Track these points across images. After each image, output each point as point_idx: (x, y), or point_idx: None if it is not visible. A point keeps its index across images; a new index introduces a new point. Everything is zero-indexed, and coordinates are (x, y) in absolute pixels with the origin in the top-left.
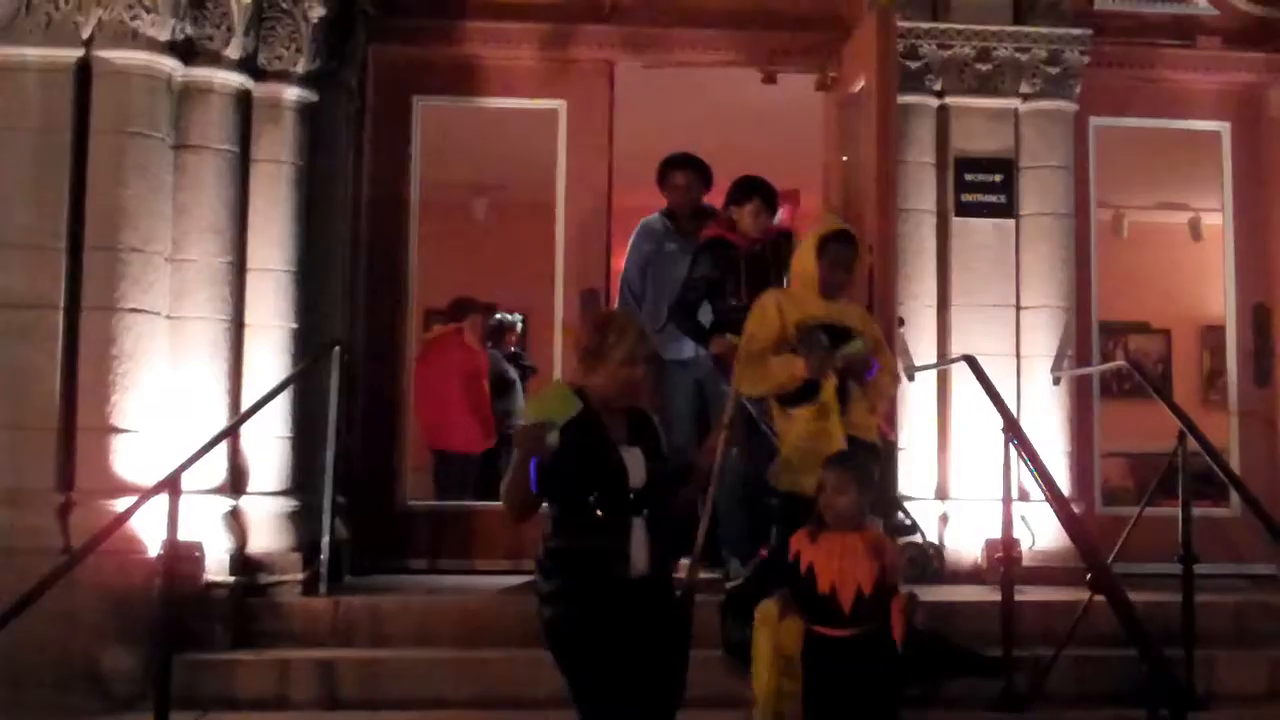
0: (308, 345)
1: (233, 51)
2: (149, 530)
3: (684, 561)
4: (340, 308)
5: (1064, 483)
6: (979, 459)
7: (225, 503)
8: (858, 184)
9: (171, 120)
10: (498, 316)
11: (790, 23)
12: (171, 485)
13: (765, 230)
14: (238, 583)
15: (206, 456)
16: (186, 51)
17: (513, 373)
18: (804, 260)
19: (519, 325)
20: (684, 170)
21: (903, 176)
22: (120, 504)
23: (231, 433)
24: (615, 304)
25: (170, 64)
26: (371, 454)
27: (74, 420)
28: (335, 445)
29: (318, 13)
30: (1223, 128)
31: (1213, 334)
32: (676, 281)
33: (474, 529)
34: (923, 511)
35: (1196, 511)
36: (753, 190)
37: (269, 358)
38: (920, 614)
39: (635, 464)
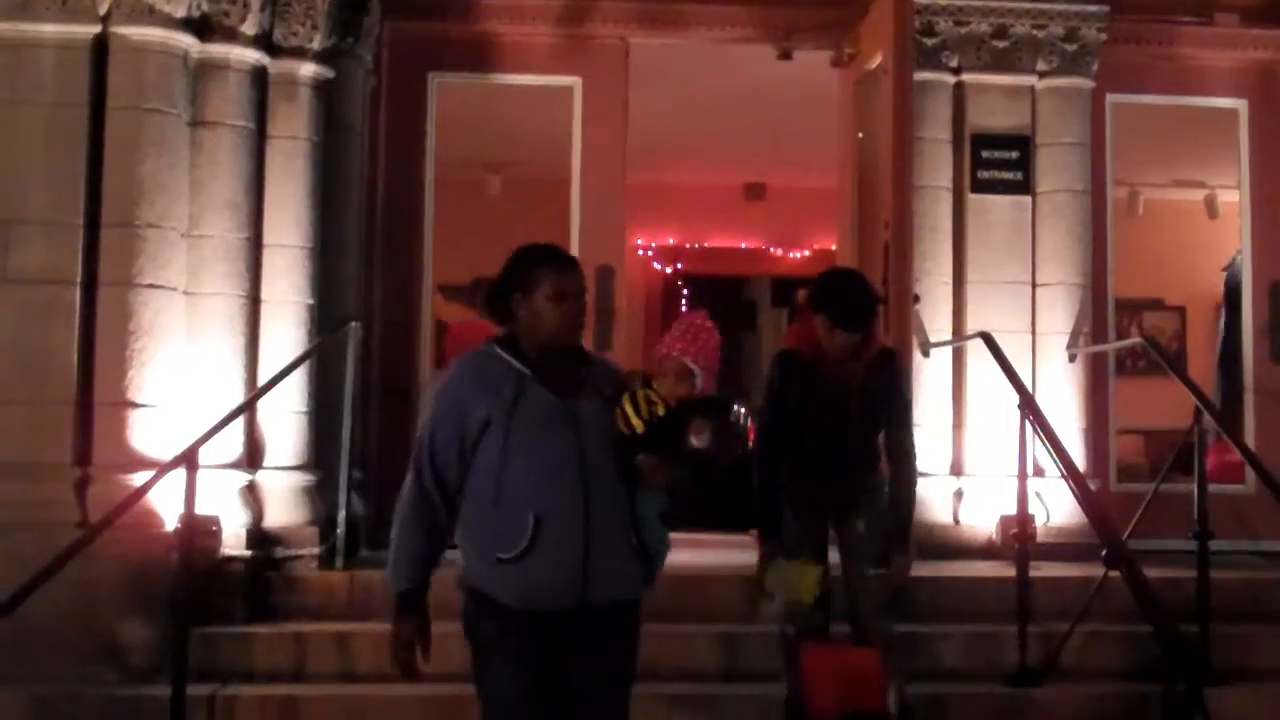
0: (324, 321)
1: (249, 28)
2: (166, 504)
3: None
4: (356, 284)
5: (1079, 459)
6: (994, 435)
7: (242, 477)
8: (873, 161)
9: (188, 97)
10: None
11: None
12: (189, 459)
13: (844, 352)
14: (254, 557)
15: (223, 431)
16: (203, 28)
17: None
18: None
19: None
20: (575, 271)
21: (918, 153)
22: (138, 478)
23: (248, 408)
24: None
25: (187, 40)
26: (387, 429)
27: (91, 395)
28: (351, 420)
29: None
30: (1240, 105)
31: None
32: (563, 461)
33: None
34: (937, 488)
35: (1211, 488)
36: (819, 298)
37: (285, 333)
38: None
39: None
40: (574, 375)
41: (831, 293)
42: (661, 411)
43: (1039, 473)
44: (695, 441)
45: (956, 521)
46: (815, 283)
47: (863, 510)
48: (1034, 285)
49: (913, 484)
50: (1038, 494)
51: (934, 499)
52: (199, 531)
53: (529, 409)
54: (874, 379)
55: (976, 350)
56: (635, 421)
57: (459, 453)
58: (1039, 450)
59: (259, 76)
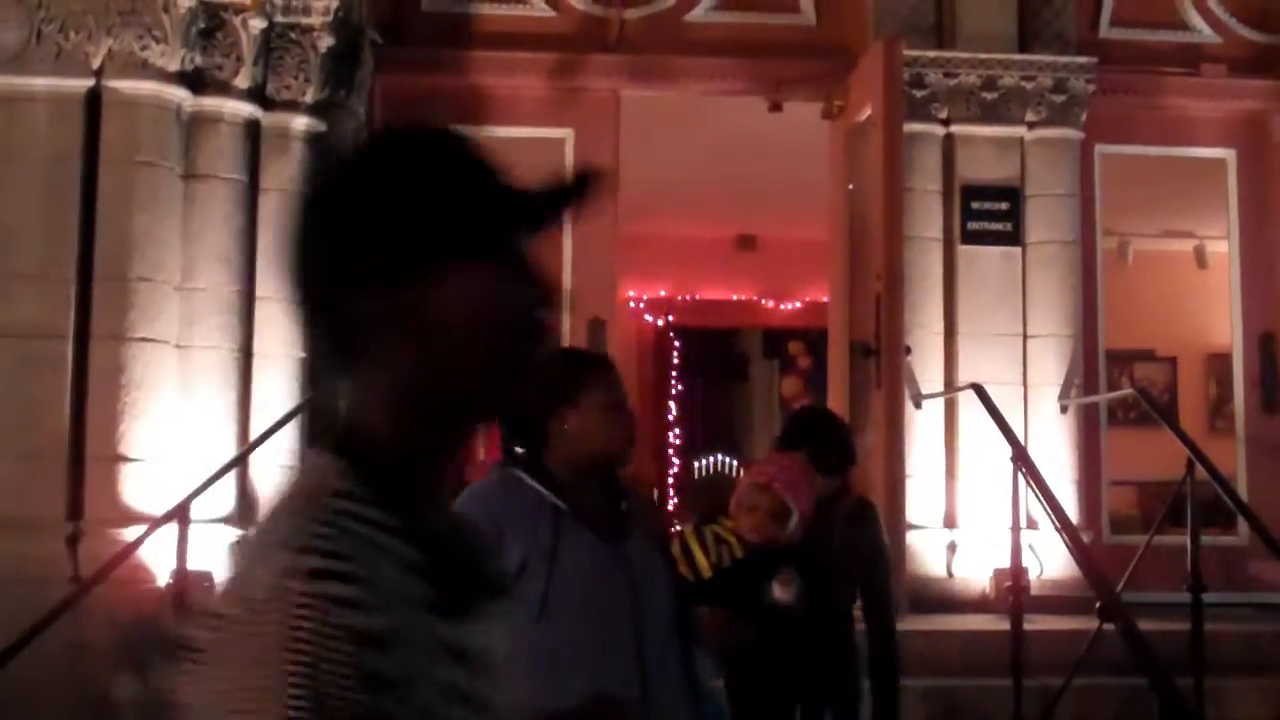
0: (316, 374)
1: (242, 81)
2: (158, 559)
3: None
4: None
5: (1072, 511)
6: (987, 488)
7: (234, 532)
8: (864, 212)
9: (181, 150)
10: None
11: (797, 51)
12: (181, 514)
13: (819, 498)
14: None
15: (215, 485)
16: (196, 81)
17: None
18: None
19: None
20: (619, 375)
21: (909, 205)
22: (129, 533)
23: (240, 462)
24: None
25: (180, 94)
26: None
27: (83, 449)
28: None
29: (326, 43)
30: (1228, 155)
31: (1219, 362)
32: (615, 623)
33: None
34: (930, 540)
35: (1204, 540)
36: (796, 436)
37: (278, 386)
38: None
39: None
40: (615, 509)
41: (812, 431)
42: (738, 554)
43: (1032, 525)
44: (779, 594)
45: (950, 574)
46: (791, 421)
47: (834, 702)
48: (1025, 336)
49: (895, 638)
50: (1031, 546)
51: (927, 552)
52: (192, 587)
53: (570, 555)
54: (854, 534)
55: (968, 402)
56: (702, 563)
57: None
58: (1032, 502)
59: (252, 129)
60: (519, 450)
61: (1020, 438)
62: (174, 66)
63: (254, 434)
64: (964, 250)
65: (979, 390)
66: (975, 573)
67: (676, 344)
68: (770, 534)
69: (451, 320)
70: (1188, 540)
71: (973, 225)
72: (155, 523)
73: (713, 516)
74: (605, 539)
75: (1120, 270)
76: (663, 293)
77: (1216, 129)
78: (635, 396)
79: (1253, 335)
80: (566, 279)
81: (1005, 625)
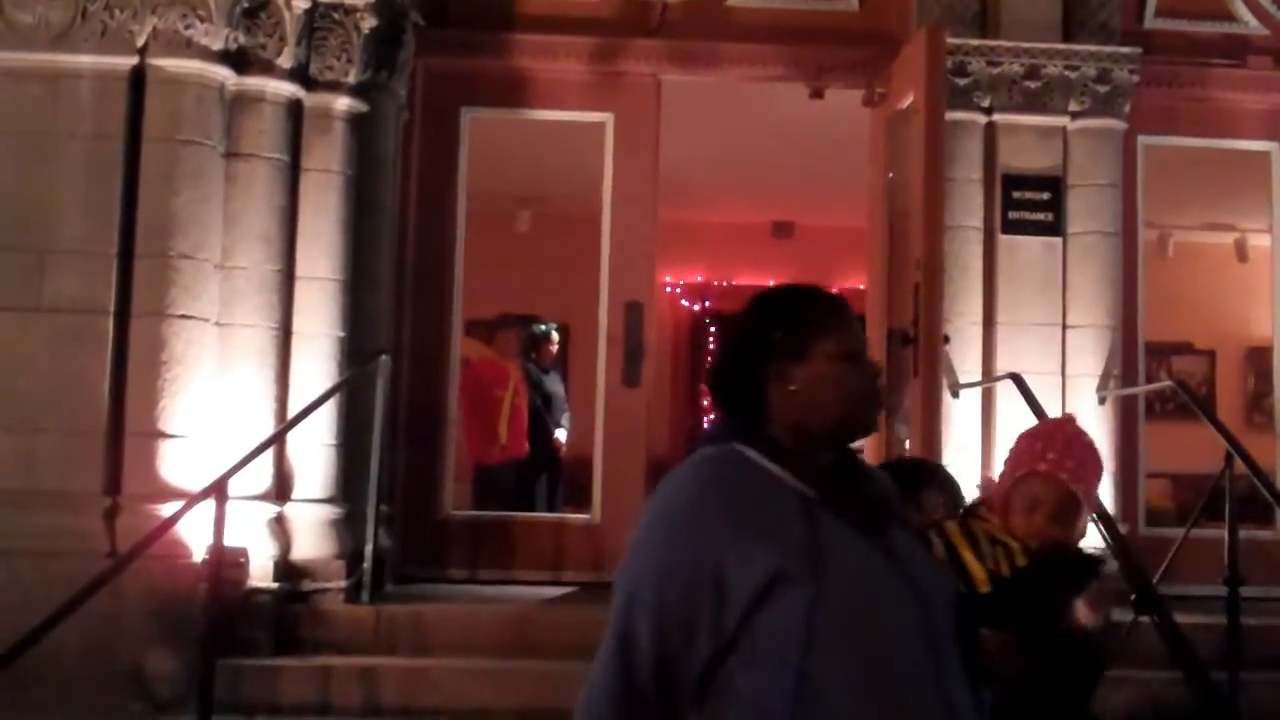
0: (354, 354)
1: (285, 61)
2: (194, 535)
3: None
4: (387, 317)
5: (1108, 502)
6: None
7: (270, 509)
8: (904, 200)
9: (223, 129)
10: (534, 327)
11: (839, 38)
12: (218, 491)
13: None
14: (281, 589)
15: (253, 463)
16: (239, 60)
17: (550, 385)
18: None
19: (553, 334)
20: (848, 311)
21: (949, 193)
22: (166, 509)
23: (278, 439)
24: None
25: (223, 73)
26: (415, 463)
27: (122, 425)
28: (380, 453)
29: (369, 24)
30: (1272, 148)
31: (1258, 355)
32: (910, 651)
33: (514, 539)
34: None
35: (1241, 533)
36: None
37: (316, 365)
38: None
39: None
40: (863, 493)
41: (921, 487)
42: (1021, 561)
43: None
44: (1085, 616)
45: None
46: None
47: None
48: (1064, 327)
49: None
50: None
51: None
52: (227, 563)
53: (837, 561)
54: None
55: (1006, 391)
56: (977, 572)
57: (711, 635)
58: None
59: (294, 109)
60: (734, 419)
61: None
62: (218, 46)
63: (292, 412)
64: (1004, 240)
65: (1018, 380)
66: None
67: (712, 329)
68: (1052, 536)
69: None
70: (1225, 533)
71: (1013, 215)
72: (193, 499)
73: (972, 508)
74: (868, 534)
75: (1161, 262)
76: (699, 278)
77: (1260, 121)
78: (670, 381)
79: None
80: (605, 262)
81: None
